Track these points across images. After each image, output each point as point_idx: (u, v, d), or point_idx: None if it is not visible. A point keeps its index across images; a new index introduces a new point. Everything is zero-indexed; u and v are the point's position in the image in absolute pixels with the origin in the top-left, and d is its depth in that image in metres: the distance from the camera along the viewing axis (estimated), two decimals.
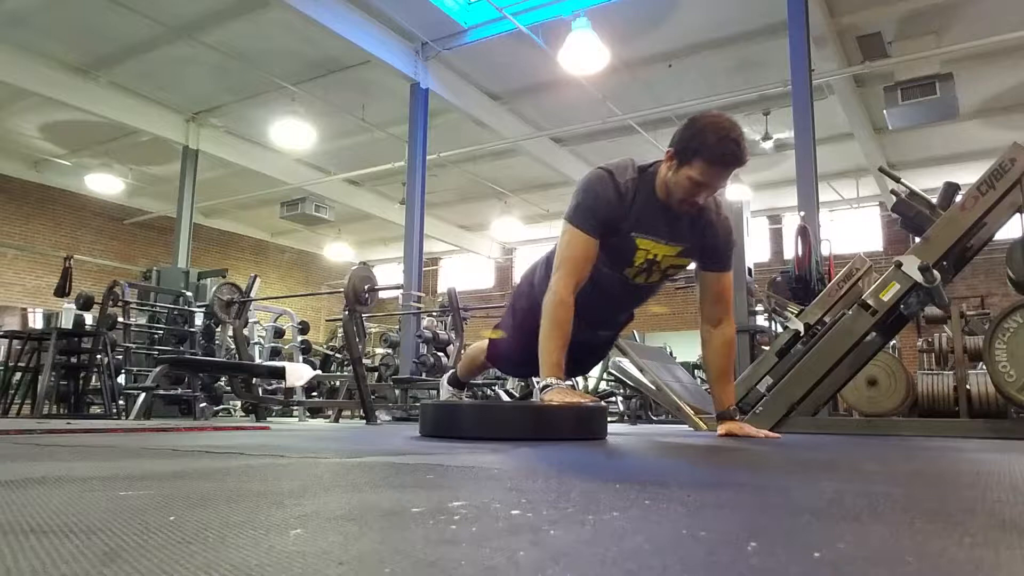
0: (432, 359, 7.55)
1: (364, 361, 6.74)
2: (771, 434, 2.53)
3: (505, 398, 7.49)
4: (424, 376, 7.35)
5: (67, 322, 5.88)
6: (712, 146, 2.12)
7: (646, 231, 2.26)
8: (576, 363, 2.71)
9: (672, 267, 2.40)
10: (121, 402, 6.09)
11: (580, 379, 10.05)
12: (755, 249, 7.20)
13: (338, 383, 8.93)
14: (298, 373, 6.13)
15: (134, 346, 6.86)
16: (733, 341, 2.49)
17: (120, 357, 6.45)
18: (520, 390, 8.49)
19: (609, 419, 2.94)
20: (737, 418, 2.51)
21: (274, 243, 17.69)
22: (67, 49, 9.16)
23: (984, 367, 3.39)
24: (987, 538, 0.60)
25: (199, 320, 7.16)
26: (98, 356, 6.01)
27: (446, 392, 3.00)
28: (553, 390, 2.15)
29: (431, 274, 18.05)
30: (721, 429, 2.48)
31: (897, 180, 3.76)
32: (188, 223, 11.65)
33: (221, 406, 7.60)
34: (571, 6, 7.85)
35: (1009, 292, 3.69)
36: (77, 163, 12.72)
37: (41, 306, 11.76)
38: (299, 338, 9.21)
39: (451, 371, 3.14)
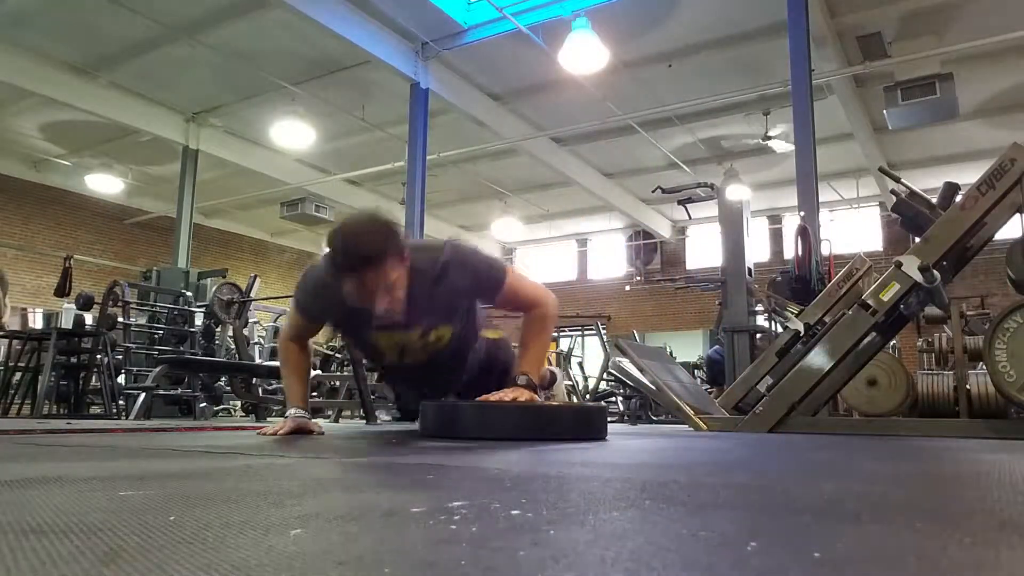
0: None
1: (364, 361, 6.73)
2: (518, 396, 2.24)
3: None
4: None
5: (67, 322, 5.88)
6: (330, 256, 2.04)
7: (374, 330, 2.22)
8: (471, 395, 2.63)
9: (430, 343, 2.32)
10: (121, 402, 6.09)
11: (580, 379, 10.05)
12: (755, 249, 7.19)
13: (338, 383, 8.92)
14: None
15: (134, 346, 6.85)
16: (542, 318, 2.37)
17: (120, 357, 6.44)
18: None
19: (609, 419, 2.94)
20: (520, 383, 2.25)
21: (274, 243, 17.69)
22: (67, 49, 9.16)
23: (984, 367, 3.39)
24: (987, 538, 0.60)
25: (199, 320, 7.15)
26: (98, 356, 6.01)
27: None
28: (290, 419, 2.32)
29: None
30: (498, 394, 2.27)
31: (897, 180, 3.76)
32: (188, 223, 11.65)
33: (221, 406, 7.60)
34: (571, 6, 7.85)
35: (1009, 292, 3.69)
36: (77, 163, 12.71)
37: (41, 306, 11.77)
38: None
39: None
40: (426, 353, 2.35)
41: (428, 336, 2.31)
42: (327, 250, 2.05)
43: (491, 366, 2.59)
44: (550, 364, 3.27)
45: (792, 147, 7.43)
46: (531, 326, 2.38)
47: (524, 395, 2.21)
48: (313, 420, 2.46)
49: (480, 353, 2.57)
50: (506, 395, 2.20)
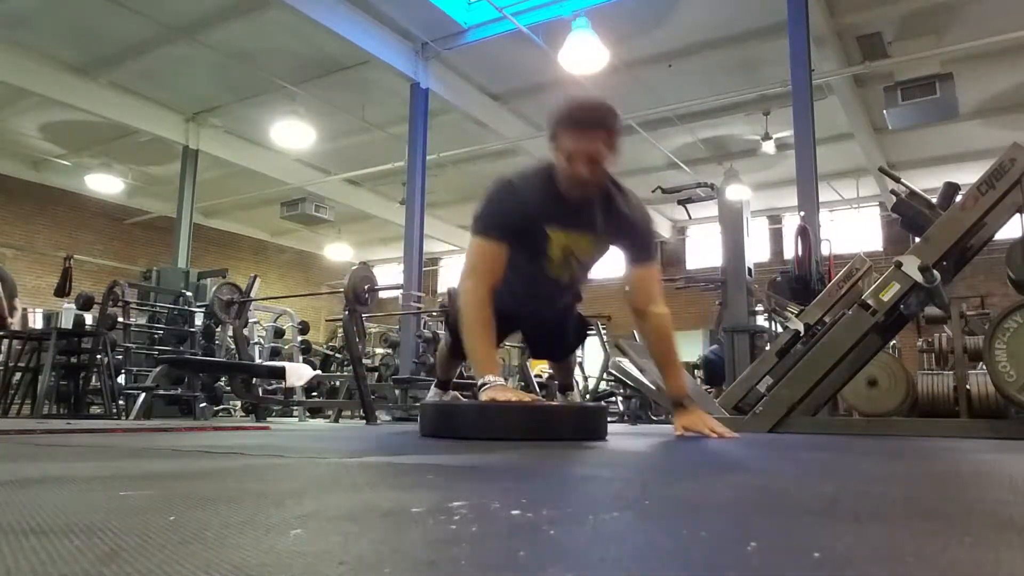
0: (432, 359, 7.55)
1: (364, 361, 6.74)
2: (733, 434, 2.41)
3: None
4: (424, 376, 7.34)
5: (67, 322, 5.88)
6: (568, 112, 2.19)
7: (555, 223, 2.31)
8: (539, 346, 2.95)
9: (590, 255, 2.42)
10: (121, 402, 6.09)
11: (580, 379, 10.05)
12: (755, 249, 7.19)
13: (338, 383, 8.92)
14: (298, 373, 6.13)
15: (134, 346, 6.85)
16: (667, 325, 2.42)
17: (120, 357, 6.44)
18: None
19: (609, 419, 2.94)
20: (690, 407, 2.41)
21: (274, 243, 17.69)
22: (67, 49, 9.16)
23: (984, 367, 3.39)
24: (987, 538, 0.60)
25: (199, 320, 7.15)
26: (98, 356, 6.01)
27: (434, 395, 3.03)
28: (490, 387, 2.14)
29: (431, 274, 18.04)
30: (679, 422, 2.40)
31: (897, 180, 3.77)
32: (188, 223, 11.65)
33: (221, 406, 7.59)
34: (571, 6, 7.85)
35: (1009, 292, 3.69)
36: (77, 163, 12.71)
37: (41, 306, 11.76)
38: (299, 338, 9.20)
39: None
40: (576, 268, 2.42)
41: (593, 247, 2.38)
42: (556, 107, 2.19)
43: (572, 326, 2.83)
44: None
45: (792, 146, 7.42)
46: (666, 335, 2.43)
47: (710, 423, 2.35)
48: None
49: (577, 298, 2.77)
50: (699, 425, 2.34)
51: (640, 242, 2.39)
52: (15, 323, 6.17)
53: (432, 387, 3.13)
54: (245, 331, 6.99)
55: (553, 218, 2.30)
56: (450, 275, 18.55)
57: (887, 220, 13.64)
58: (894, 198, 3.70)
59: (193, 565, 0.45)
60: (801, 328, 4.33)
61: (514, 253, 2.29)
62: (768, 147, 10.75)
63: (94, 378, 6.12)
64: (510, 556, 0.50)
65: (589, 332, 2.93)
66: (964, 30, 7.96)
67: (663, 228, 15.79)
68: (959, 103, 8.31)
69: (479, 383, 2.18)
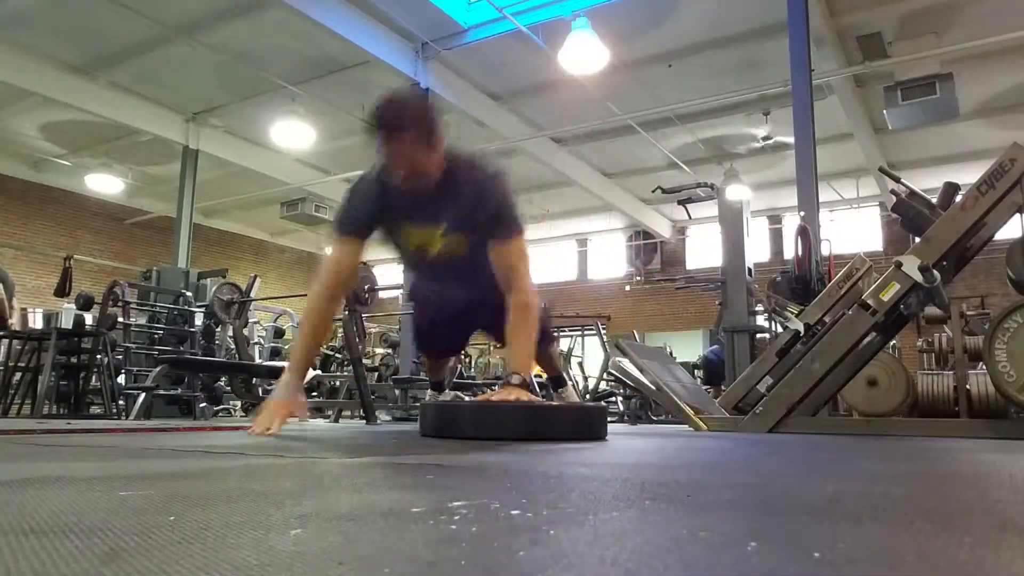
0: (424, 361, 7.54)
1: (364, 361, 6.74)
2: (518, 396, 2.21)
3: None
4: (424, 376, 7.34)
5: (67, 322, 5.87)
6: (373, 115, 2.17)
7: (400, 219, 2.34)
8: (487, 329, 2.93)
9: (445, 246, 2.37)
10: (121, 402, 6.08)
11: (580, 379, 10.05)
12: (755, 249, 7.19)
13: (338, 383, 8.92)
14: None
15: (134, 346, 6.85)
16: (523, 307, 2.30)
17: (120, 357, 6.44)
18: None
19: (609, 419, 2.94)
20: (513, 382, 2.21)
21: (274, 243, 17.69)
22: (67, 49, 9.15)
23: (984, 367, 3.39)
24: (987, 538, 0.60)
25: (199, 320, 7.14)
26: (98, 356, 6.01)
27: (430, 396, 3.05)
28: (267, 401, 2.34)
29: None
30: (494, 394, 2.34)
31: (897, 180, 3.77)
32: (188, 223, 11.64)
33: (221, 406, 7.59)
34: (571, 6, 7.85)
35: (1009, 292, 3.69)
36: (77, 163, 12.71)
37: (41, 306, 11.76)
38: None
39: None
40: (445, 258, 2.39)
41: (448, 236, 2.35)
42: (369, 112, 2.18)
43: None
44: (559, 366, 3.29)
45: (792, 146, 7.42)
46: (515, 317, 2.30)
47: (521, 395, 2.16)
48: (297, 398, 2.30)
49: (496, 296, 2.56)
50: (502, 396, 2.18)
51: (488, 217, 2.29)
52: (14, 322, 6.17)
53: (429, 389, 3.15)
54: (245, 331, 6.99)
55: (398, 214, 2.33)
56: None
57: (887, 220, 13.64)
58: (894, 198, 3.70)
59: (193, 565, 0.45)
60: (801, 328, 4.33)
61: (398, 251, 2.45)
62: (768, 147, 10.75)
63: (94, 378, 6.12)
64: (510, 556, 0.50)
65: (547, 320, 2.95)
66: (964, 30, 7.96)
67: (663, 228, 15.80)
68: (959, 103, 8.31)
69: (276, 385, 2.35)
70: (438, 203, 2.28)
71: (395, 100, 2.21)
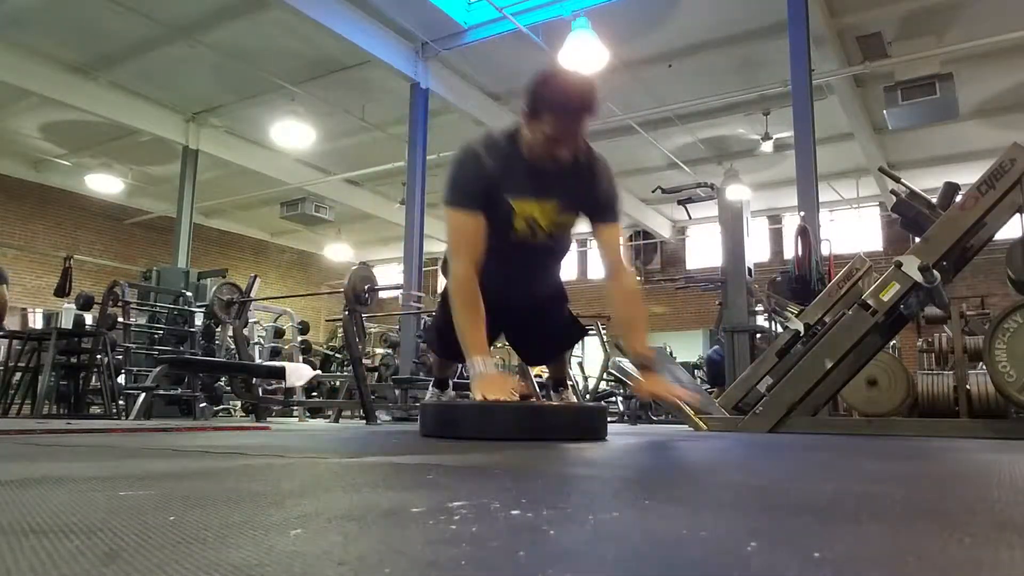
0: (432, 359, 7.54)
1: (364, 361, 6.74)
2: (694, 397, 2.38)
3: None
4: (424, 376, 7.34)
5: (67, 322, 5.87)
6: (556, 96, 2.13)
7: (519, 193, 2.26)
8: (527, 346, 2.79)
9: (556, 224, 2.34)
10: (121, 402, 6.08)
11: (581, 379, 10.05)
12: (755, 249, 7.19)
13: (338, 383, 8.92)
14: (298, 373, 6.13)
15: (134, 346, 6.85)
16: (635, 291, 2.41)
17: (120, 357, 6.44)
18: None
19: (609, 419, 2.94)
20: (653, 370, 2.35)
21: (274, 243, 17.69)
22: (67, 49, 9.15)
23: (984, 367, 3.39)
24: (987, 538, 0.60)
25: (199, 320, 7.14)
26: (98, 356, 6.01)
27: (432, 395, 3.03)
28: (484, 381, 2.09)
29: (431, 274, 18.02)
30: (642, 387, 2.37)
31: (897, 180, 3.77)
32: (188, 223, 11.64)
33: (221, 406, 7.59)
34: (571, 6, 7.85)
35: (1009, 292, 3.69)
36: (77, 163, 12.71)
37: (41, 306, 11.76)
38: (299, 338, 9.20)
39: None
40: (545, 237, 2.34)
41: (560, 216, 2.32)
42: (543, 83, 2.14)
43: (560, 306, 2.67)
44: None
45: (792, 146, 7.41)
46: (636, 293, 2.38)
47: (676, 391, 2.33)
48: (508, 375, 2.28)
49: (559, 286, 2.66)
50: (657, 389, 2.31)
51: (608, 202, 2.36)
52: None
53: (430, 386, 3.12)
54: (245, 331, 6.99)
55: (518, 187, 2.26)
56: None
57: (887, 220, 13.64)
58: (894, 198, 3.70)
59: (193, 565, 0.45)
60: (801, 328, 4.33)
61: (494, 225, 2.25)
62: (768, 147, 10.75)
63: (94, 378, 6.12)
64: (510, 556, 0.50)
65: (588, 333, 2.86)
66: (964, 30, 7.96)
67: (663, 228, 15.80)
68: (959, 103, 8.31)
69: (472, 369, 2.15)
70: (565, 180, 2.27)
71: (581, 82, 2.19)
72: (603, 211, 2.35)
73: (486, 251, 2.25)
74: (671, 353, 7.53)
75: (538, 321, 2.64)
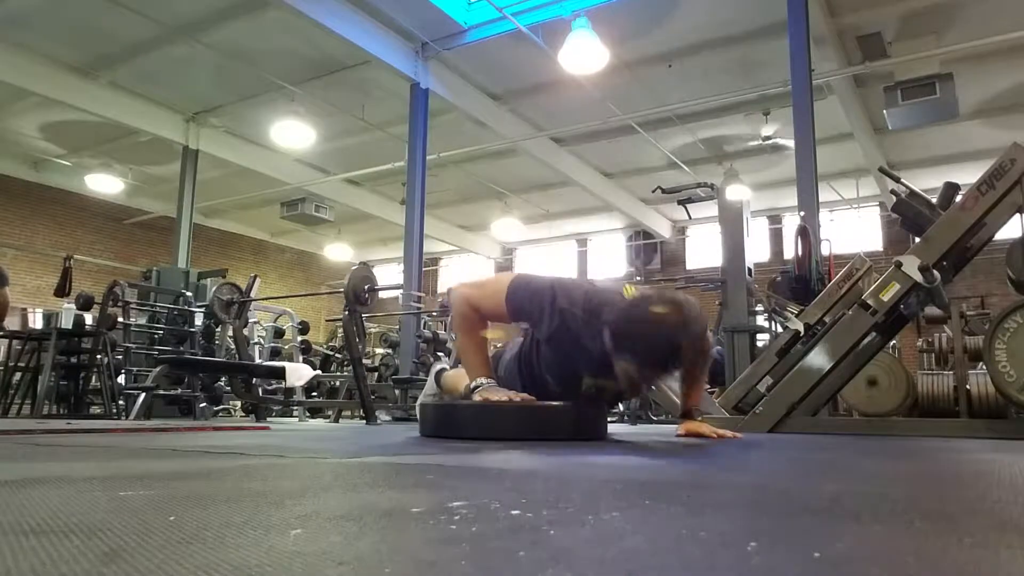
0: (432, 359, 7.55)
1: (364, 361, 6.74)
2: (733, 434, 2.49)
3: None
4: (423, 376, 7.34)
5: (67, 322, 5.88)
6: (651, 352, 1.98)
7: (589, 370, 2.24)
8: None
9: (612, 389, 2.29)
10: (121, 402, 6.09)
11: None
12: (755, 249, 7.18)
13: (338, 383, 8.92)
14: (298, 373, 6.13)
15: (134, 346, 6.85)
16: (705, 350, 2.47)
17: (120, 357, 6.44)
18: None
19: (609, 419, 2.94)
20: (699, 419, 2.53)
21: (274, 243, 17.69)
22: (67, 49, 9.15)
23: (984, 367, 3.39)
24: (987, 538, 0.60)
25: (199, 320, 7.15)
26: (98, 356, 6.01)
27: (432, 388, 3.01)
28: (483, 389, 2.24)
29: (431, 274, 18.04)
30: (681, 429, 2.50)
31: (897, 180, 3.76)
32: (188, 223, 11.64)
33: (221, 406, 7.59)
34: (571, 6, 7.85)
35: (1009, 292, 3.69)
36: (77, 163, 12.71)
37: (41, 306, 11.76)
38: (299, 338, 9.20)
39: (440, 368, 3.14)
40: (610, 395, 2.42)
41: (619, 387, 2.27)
42: (642, 342, 1.96)
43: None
44: None
45: (792, 147, 7.42)
46: (697, 358, 2.39)
47: (703, 429, 2.41)
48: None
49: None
50: (695, 429, 2.43)
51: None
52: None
53: (432, 379, 3.09)
54: (245, 331, 6.99)
55: (587, 367, 2.23)
56: (450, 275, 18.56)
57: (887, 220, 13.64)
58: (894, 198, 3.70)
59: (193, 565, 0.45)
60: (801, 328, 4.33)
61: (560, 364, 2.33)
62: (768, 147, 10.75)
63: (94, 378, 6.12)
64: (510, 556, 0.50)
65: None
66: (964, 30, 7.96)
67: (663, 228, 15.80)
68: (959, 103, 8.30)
69: (472, 385, 2.27)
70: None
71: (677, 339, 2.00)
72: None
73: (559, 376, 2.35)
74: None
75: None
